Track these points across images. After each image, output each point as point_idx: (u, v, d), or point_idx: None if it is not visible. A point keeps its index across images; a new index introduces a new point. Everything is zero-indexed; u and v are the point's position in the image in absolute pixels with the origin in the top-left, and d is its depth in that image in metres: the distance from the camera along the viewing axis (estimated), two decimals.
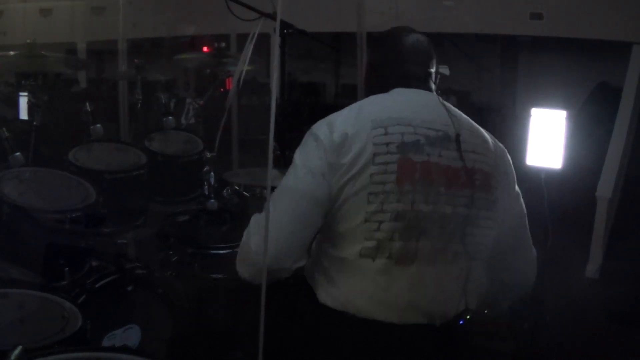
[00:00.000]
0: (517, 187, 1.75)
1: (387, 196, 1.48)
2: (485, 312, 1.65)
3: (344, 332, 1.52)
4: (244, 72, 2.45)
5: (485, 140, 1.68)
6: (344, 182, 1.50)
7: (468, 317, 1.58)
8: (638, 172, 4.13)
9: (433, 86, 1.76)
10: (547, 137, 2.98)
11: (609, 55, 4.50)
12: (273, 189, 1.57)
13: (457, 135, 1.58)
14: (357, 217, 1.49)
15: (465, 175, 1.56)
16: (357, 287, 1.51)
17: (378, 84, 1.74)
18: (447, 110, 1.62)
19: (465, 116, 1.71)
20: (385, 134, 1.52)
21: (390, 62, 1.74)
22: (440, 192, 1.52)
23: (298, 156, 1.58)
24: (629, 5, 3.91)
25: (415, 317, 1.52)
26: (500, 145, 1.73)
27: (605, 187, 3.59)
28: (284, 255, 1.52)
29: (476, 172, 1.59)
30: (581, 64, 4.72)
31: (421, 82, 1.72)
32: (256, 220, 1.60)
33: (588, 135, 3.87)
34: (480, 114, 5.14)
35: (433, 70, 1.77)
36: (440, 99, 1.67)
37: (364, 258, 1.49)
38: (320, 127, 1.59)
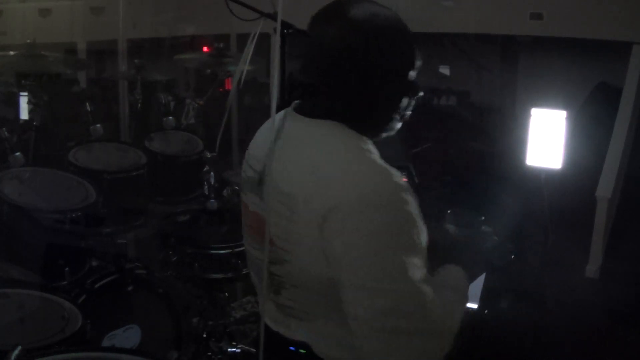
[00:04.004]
0: None
1: None
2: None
3: None
4: (244, 72, 2.44)
5: None
6: None
7: None
8: (638, 172, 4.13)
9: None
10: (547, 137, 2.98)
11: (609, 55, 4.50)
12: None
13: None
14: None
15: None
16: None
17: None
18: None
19: None
20: None
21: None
22: None
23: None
24: (629, 5, 3.92)
25: None
26: None
27: (605, 187, 3.59)
28: None
29: None
30: (581, 64, 4.72)
31: None
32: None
33: (588, 135, 3.87)
34: (481, 114, 5.15)
35: None
36: None
37: None
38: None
